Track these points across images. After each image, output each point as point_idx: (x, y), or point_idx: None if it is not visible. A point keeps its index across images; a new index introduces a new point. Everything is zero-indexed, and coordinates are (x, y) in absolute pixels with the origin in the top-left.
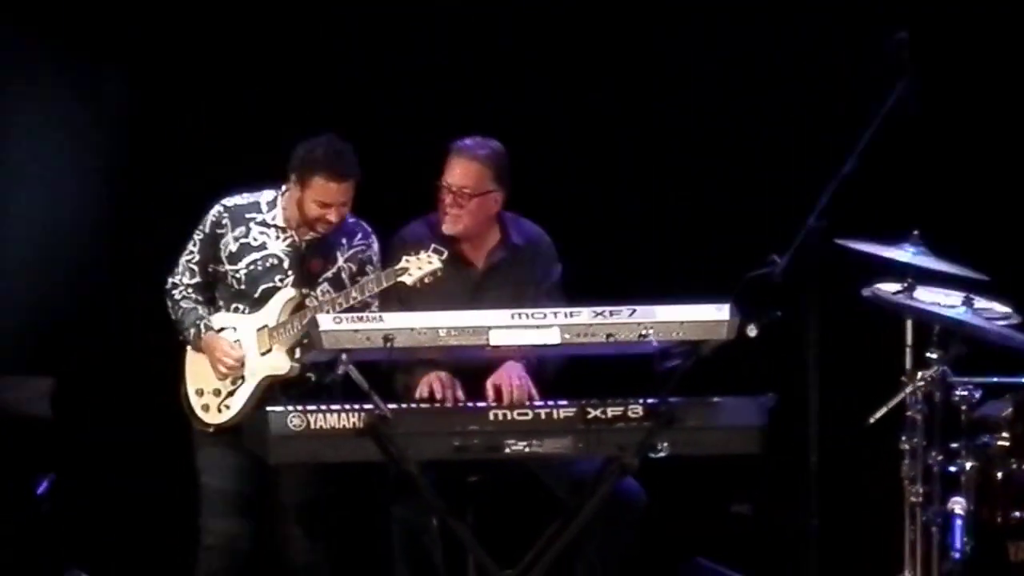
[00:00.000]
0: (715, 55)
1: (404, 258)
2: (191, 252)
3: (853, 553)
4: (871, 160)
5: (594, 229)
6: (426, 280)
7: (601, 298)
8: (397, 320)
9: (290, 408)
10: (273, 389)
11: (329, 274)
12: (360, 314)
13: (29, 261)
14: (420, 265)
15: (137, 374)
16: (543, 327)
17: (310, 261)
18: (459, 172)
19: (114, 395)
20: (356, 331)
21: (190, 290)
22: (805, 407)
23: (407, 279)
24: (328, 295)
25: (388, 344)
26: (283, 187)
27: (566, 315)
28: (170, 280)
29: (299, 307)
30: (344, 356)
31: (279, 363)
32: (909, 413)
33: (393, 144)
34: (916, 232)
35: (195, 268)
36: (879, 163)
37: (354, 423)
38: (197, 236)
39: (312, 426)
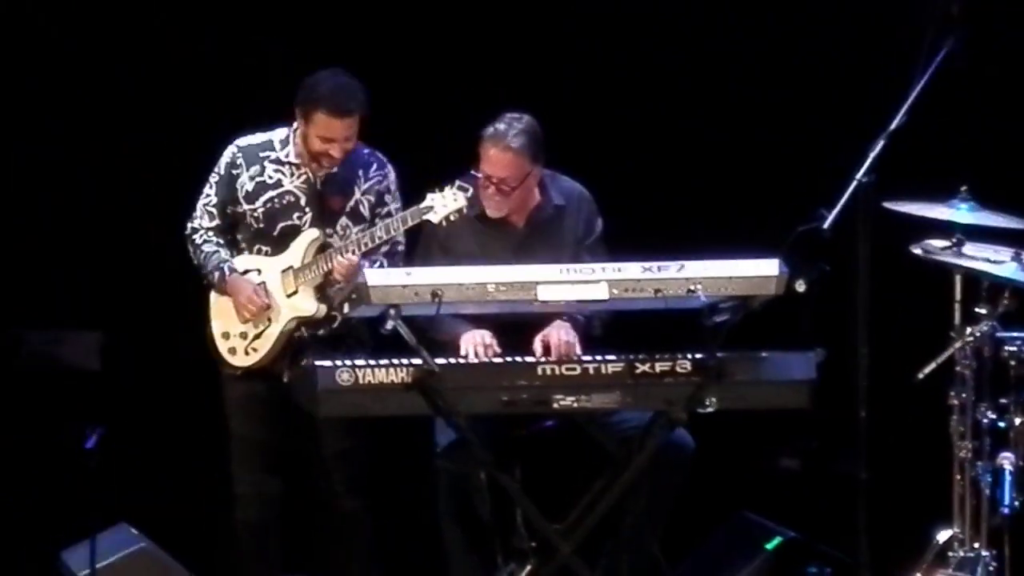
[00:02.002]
0: (764, 9)
1: (428, 196)
2: (208, 195)
3: (901, 508)
4: (920, 114)
5: (642, 184)
6: (451, 218)
7: (649, 253)
8: (445, 275)
9: (339, 363)
10: (300, 331)
11: (347, 208)
12: (408, 269)
13: (77, 217)
14: (445, 203)
15: (185, 327)
16: (591, 282)
17: (328, 198)
18: (498, 165)
19: (163, 349)
20: (404, 286)
21: (210, 233)
22: (854, 362)
23: (432, 217)
24: (349, 230)
25: (436, 299)
26: (295, 124)
27: (614, 270)
28: (189, 225)
29: (323, 248)
30: (392, 311)
31: (305, 305)
32: (958, 368)
33: (434, 108)
34: (965, 188)
35: (213, 211)
36: (928, 117)
37: (402, 378)
38: (213, 178)
39: (360, 380)
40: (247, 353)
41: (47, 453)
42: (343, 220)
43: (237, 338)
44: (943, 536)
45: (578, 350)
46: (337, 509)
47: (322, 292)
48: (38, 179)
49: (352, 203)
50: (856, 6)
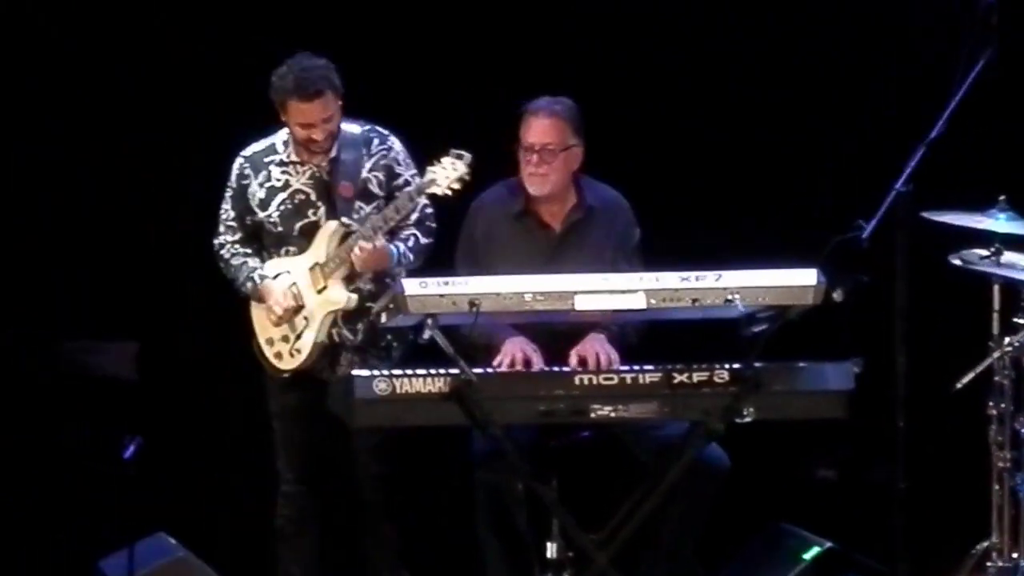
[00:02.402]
0: (802, 17)
1: (429, 169)
2: (226, 210)
3: (940, 518)
4: (959, 124)
5: (680, 193)
6: (454, 187)
7: (687, 263)
8: (482, 285)
9: (375, 372)
10: (337, 324)
11: (358, 191)
12: (446, 279)
13: (113, 228)
14: (446, 173)
15: (222, 335)
16: (629, 292)
17: (338, 187)
18: (540, 130)
19: (199, 358)
20: (442, 296)
21: (236, 246)
22: (892, 372)
23: (436, 189)
24: (363, 211)
25: (474, 309)
26: None
27: (652, 280)
28: (215, 241)
29: (345, 238)
30: (430, 321)
31: (336, 297)
32: (997, 378)
33: (434, 109)
34: (1003, 198)
35: (234, 224)
36: (967, 127)
37: (439, 387)
38: (227, 193)
39: (397, 390)
40: (292, 355)
41: (85, 463)
42: (357, 203)
43: (280, 343)
44: (981, 546)
45: (616, 362)
46: (367, 509)
47: (351, 281)
48: (45, 182)
49: (361, 183)
50: (896, 15)
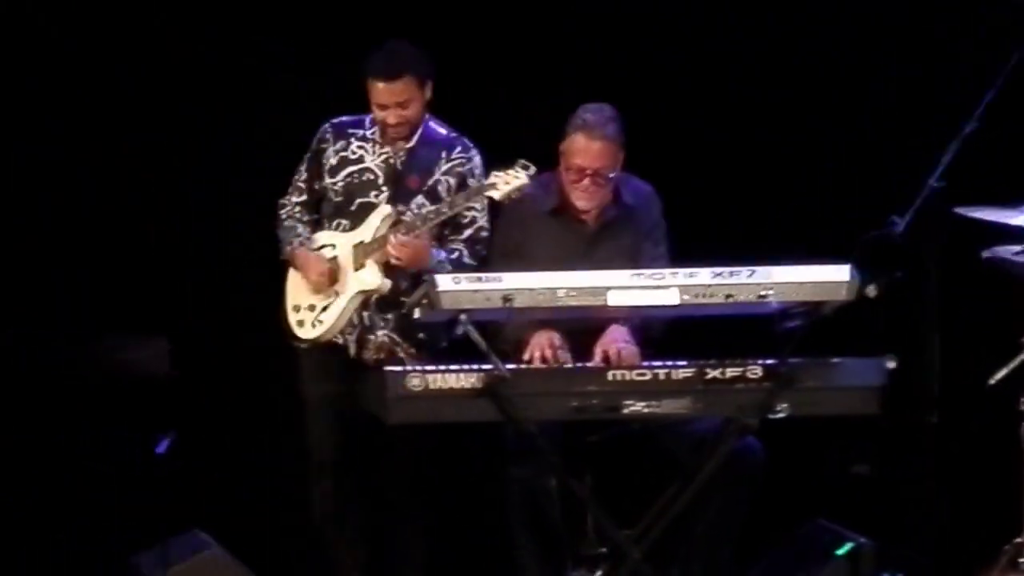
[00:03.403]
0: (838, 13)
1: (492, 173)
2: (300, 171)
3: (972, 514)
4: (992, 121)
5: (714, 188)
6: (513, 195)
7: (720, 259)
8: (516, 280)
9: (408, 368)
10: (367, 306)
11: (425, 187)
12: (479, 275)
13: (146, 223)
14: (508, 180)
15: (255, 331)
16: (662, 288)
17: (407, 177)
18: (593, 156)
19: (232, 354)
20: (475, 291)
21: (296, 209)
22: (925, 368)
23: (495, 194)
24: (424, 209)
25: (507, 304)
26: None
27: (685, 275)
28: (280, 200)
29: (395, 224)
30: (463, 316)
31: (370, 278)
32: None
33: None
34: None
35: (302, 186)
36: (1000, 124)
37: (472, 383)
38: (307, 155)
39: (430, 386)
40: (313, 326)
41: (118, 459)
42: (419, 199)
43: (306, 310)
44: (1015, 543)
45: (637, 353)
46: (392, 505)
47: (389, 267)
48: (52, 180)
49: (431, 182)
50: (931, 11)
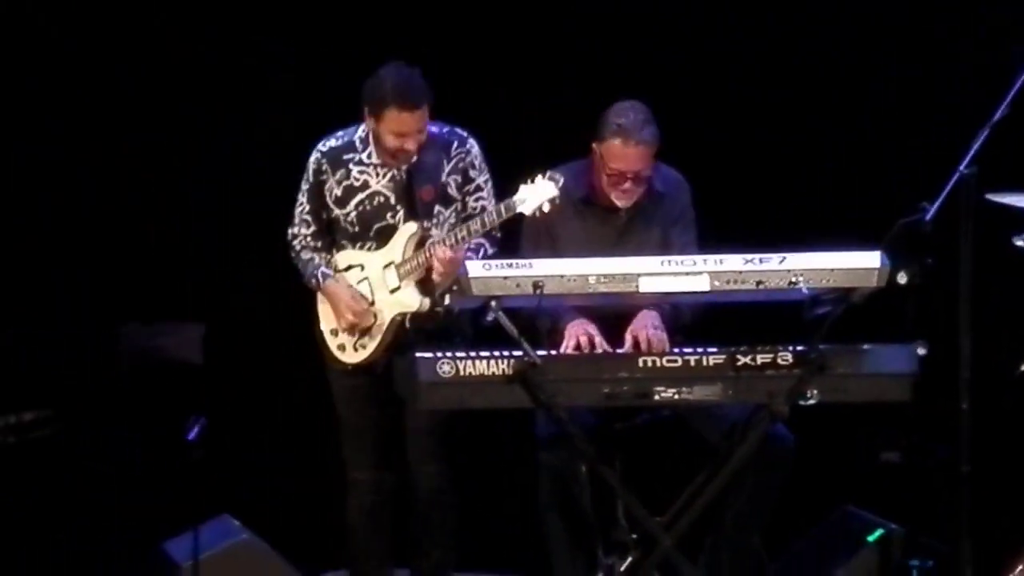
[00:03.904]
0: None
1: (521, 187)
2: (301, 203)
3: (1004, 501)
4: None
5: (744, 175)
6: (544, 208)
7: (751, 246)
8: (546, 267)
9: (439, 355)
10: (405, 325)
11: (438, 195)
12: (510, 260)
13: (179, 212)
14: (537, 193)
15: (287, 316)
16: (693, 274)
17: (418, 190)
18: (632, 160)
19: (264, 339)
20: (505, 278)
21: (308, 239)
22: (957, 354)
23: (525, 209)
24: (441, 215)
25: (538, 291)
26: (364, 124)
27: (716, 262)
28: (289, 232)
29: (422, 241)
30: (493, 303)
31: (409, 299)
32: None
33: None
34: None
35: (308, 218)
36: None
37: (503, 370)
38: (304, 186)
39: (461, 373)
40: (356, 350)
41: (149, 445)
42: (437, 207)
43: (345, 335)
44: None
45: (664, 343)
46: (423, 484)
47: (424, 286)
48: (55, 182)
49: (441, 188)
50: None
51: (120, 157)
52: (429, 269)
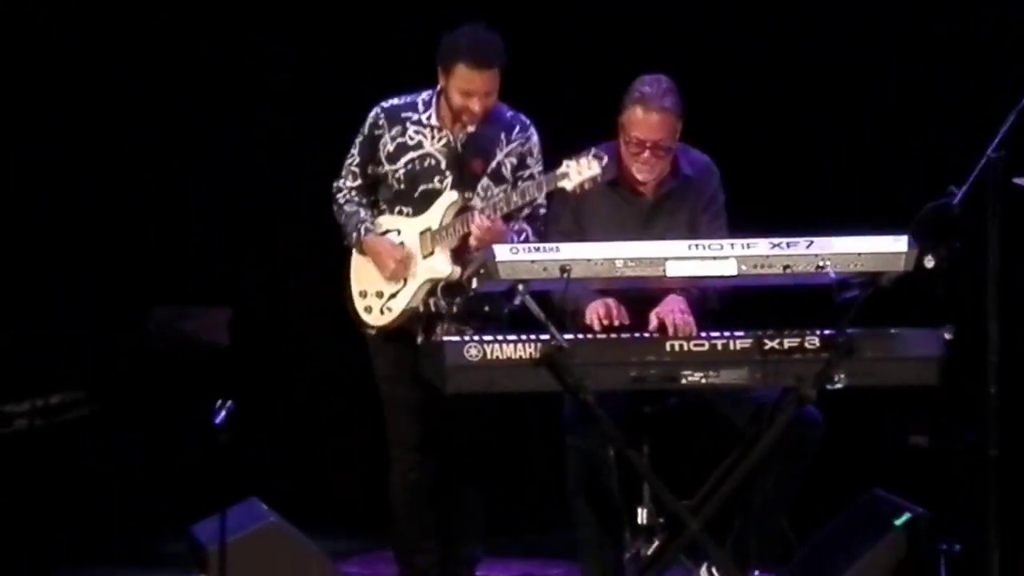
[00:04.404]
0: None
1: (565, 163)
2: (352, 155)
3: None
4: None
5: (772, 159)
6: (586, 186)
7: (778, 229)
8: (573, 251)
9: (466, 338)
10: (436, 296)
11: (489, 170)
12: (537, 244)
13: (206, 199)
14: (580, 170)
15: (316, 301)
16: (720, 258)
17: (470, 161)
18: (652, 127)
19: (290, 324)
20: (533, 262)
21: (353, 193)
22: (984, 338)
23: (567, 184)
24: (490, 192)
25: (565, 275)
26: (438, 87)
27: (743, 246)
28: (335, 184)
29: (462, 211)
30: (520, 287)
31: (441, 266)
32: None
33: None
34: None
35: (356, 171)
36: None
37: (531, 353)
38: (358, 139)
39: (488, 356)
40: (382, 312)
41: (177, 428)
42: (484, 182)
43: (373, 297)
44: None
45: (692, 327)
46: (452, 473)
47: (458, 255)
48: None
49: (494, 165)
50: None
51: (120, 157)
52: (465, 238)
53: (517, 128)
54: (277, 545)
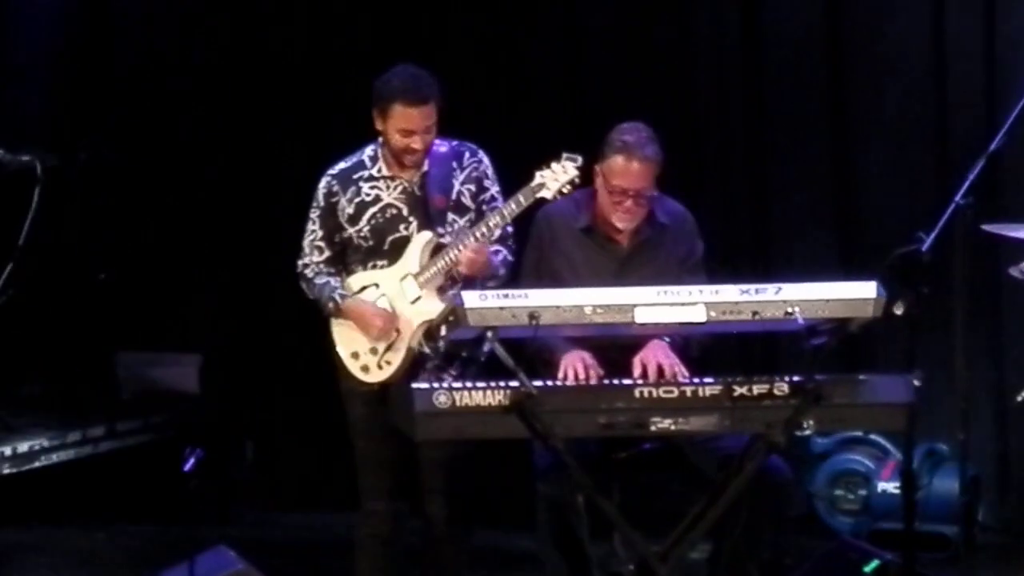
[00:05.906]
0: (860, 32)
1: (538, 174)
2: (312, 231)
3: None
4: (1019, 138)
5: (739, 206)
6: (564, 191)
7: (746, 276)
8: (542, 297)
9: (436, 385)
10: (420, 343)
11: (450, 204)
12: (506, 291)
13: (174, 246)
14: (557, 177)
15: (281, 350)
16: (689, 304)
17: (431, 199)
18: (634, 177)
19: (261, 370)
20: (502, 308)
21: (321, 266)
22: (952, 384)
23: (546, 193)
24: (456, 224)
25: (533, 322)
26: (380, 139)
27: (712, 292)
28: (300, 263)
29: (437, 249)
30: (490, 334)
31: (431, 307)
32: None
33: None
34: None
35: (321, 244)
36: None
37: (500, 400)
38: (314, 213)
39: (458, 403)
40: (380, 367)
41: (145, 475)
42: (450, 216)
43: (367, 355)
44: None
45: (681, 369)
46: (436, 513)
47: (444, 293)
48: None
49: (454, 196)
50: (954, 35)
51: (92, 200)
52: (449, 275)
53: (467, 154)
54: None
